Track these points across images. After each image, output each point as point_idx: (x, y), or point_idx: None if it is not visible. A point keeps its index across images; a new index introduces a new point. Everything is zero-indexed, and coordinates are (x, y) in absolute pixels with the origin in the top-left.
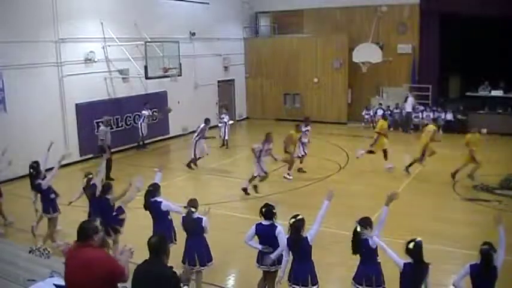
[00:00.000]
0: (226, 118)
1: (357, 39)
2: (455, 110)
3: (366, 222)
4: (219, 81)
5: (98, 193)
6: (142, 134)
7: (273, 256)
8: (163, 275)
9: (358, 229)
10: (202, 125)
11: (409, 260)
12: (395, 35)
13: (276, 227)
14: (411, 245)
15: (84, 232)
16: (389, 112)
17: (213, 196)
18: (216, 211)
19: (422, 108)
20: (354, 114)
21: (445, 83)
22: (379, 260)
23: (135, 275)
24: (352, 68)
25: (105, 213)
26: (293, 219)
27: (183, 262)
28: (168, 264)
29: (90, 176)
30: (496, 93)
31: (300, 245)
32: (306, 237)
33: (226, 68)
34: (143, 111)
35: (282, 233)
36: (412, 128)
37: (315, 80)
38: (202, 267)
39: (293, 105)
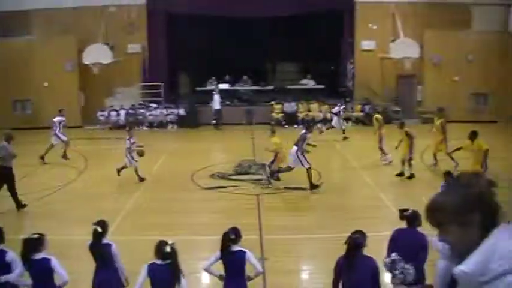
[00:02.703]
0: None
1: (87, 41)
2: (187, 104)
3: (103, 224)
4: None
5: None
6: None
7: None
8: None
9: (99, 230)
10: None
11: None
12: (124, 35)
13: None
14: (168, 248)
15: None
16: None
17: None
18: None
19: (155, 105)
20: (89, 117)
21: (175, 79)
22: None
23: None
24: (84, 70)
25: None
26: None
27: None
28: None
29: None
30: (223, 86)
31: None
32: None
33: None
34: (57, 117)
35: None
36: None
37: (45, 84)
38: None
39: (24, 112)
